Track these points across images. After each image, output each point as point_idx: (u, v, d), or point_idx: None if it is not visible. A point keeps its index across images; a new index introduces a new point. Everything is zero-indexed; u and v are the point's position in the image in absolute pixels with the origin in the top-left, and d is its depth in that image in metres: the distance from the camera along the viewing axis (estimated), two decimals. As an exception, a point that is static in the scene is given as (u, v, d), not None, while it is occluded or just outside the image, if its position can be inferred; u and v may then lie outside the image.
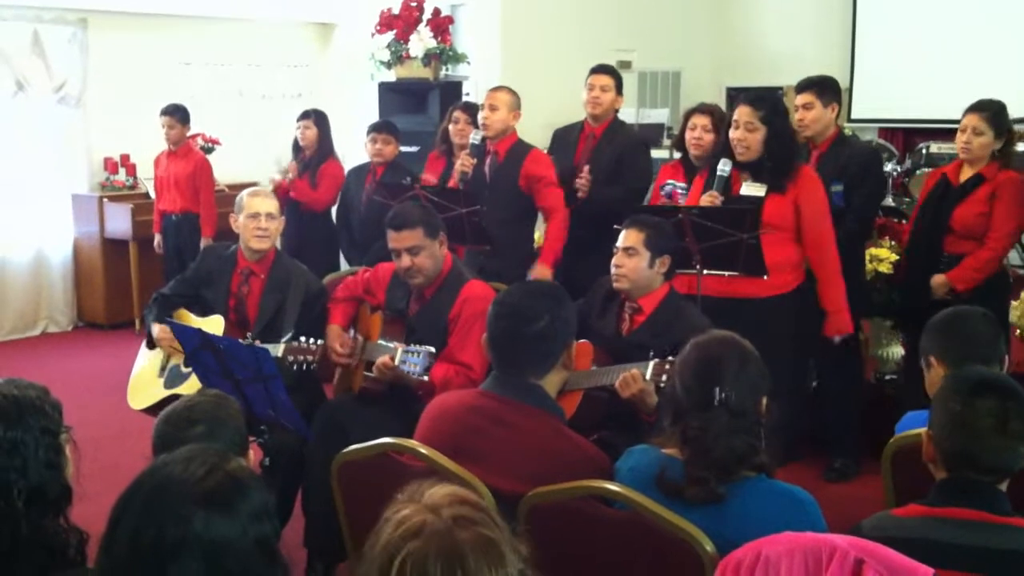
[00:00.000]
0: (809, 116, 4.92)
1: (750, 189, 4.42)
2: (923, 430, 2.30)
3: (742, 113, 4.40)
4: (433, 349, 3.71)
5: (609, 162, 5.43)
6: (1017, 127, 5.59)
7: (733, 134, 4.43)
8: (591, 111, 5.53)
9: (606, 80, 5.50)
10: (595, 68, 5.58)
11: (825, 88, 4.97)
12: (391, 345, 3.87)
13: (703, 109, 5.24)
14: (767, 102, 4.46)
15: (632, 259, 3.73)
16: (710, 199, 4.37)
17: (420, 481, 1.57)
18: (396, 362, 3.72)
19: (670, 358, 3.10)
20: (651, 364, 3.33)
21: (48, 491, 2.03)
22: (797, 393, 4.93)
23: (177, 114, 7.36)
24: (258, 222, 4.28)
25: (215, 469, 1.62)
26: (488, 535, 1.46)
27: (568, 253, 5.32)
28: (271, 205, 4.36)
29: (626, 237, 3.77)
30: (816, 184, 4.50)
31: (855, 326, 5.24)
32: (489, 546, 1.44)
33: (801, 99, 4.97)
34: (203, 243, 7.15)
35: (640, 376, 3.35)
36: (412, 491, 1.55)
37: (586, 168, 5.37)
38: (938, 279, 4.79)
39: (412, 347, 3.71)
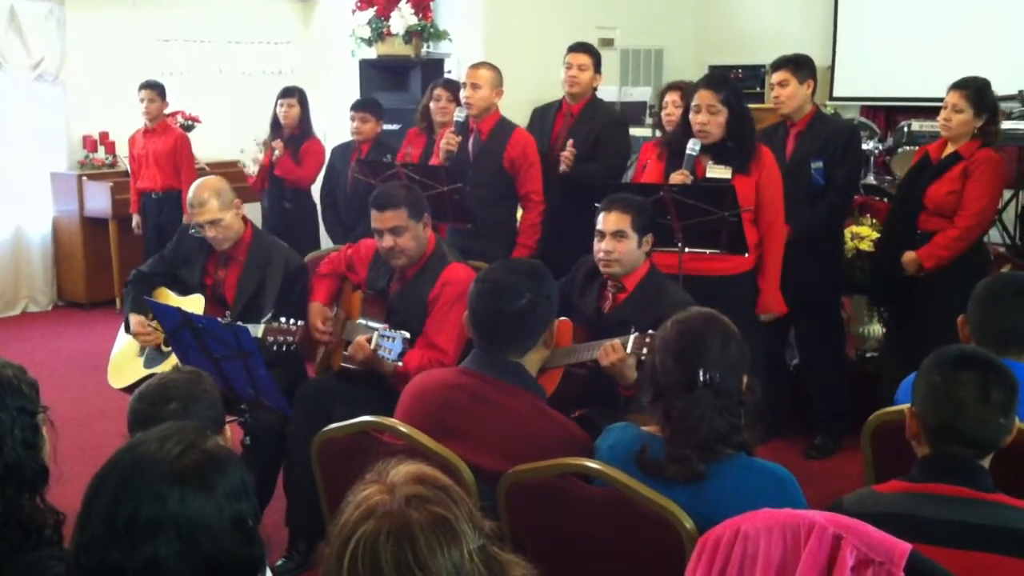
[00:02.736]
0: (785, 93, 4.95)
1: (715, 171, 4.41)
2: (906, 406, 2.30)
3: (703, 97, 4.38)
4: (408, 335, 3.65)
5: (587, 140, 5.39)
6: (1003, 105, 5.58)
7: (695, 118, 4.40)
8: (568, 89, 5.50)
9: (584, 59, 5.47)
10: (573, 46, 5.54)
11: (800, 65, 5.00)
12: (371, 325, 3.84)
13: (674, 86, 5.37)
14: (726, 84, 4.50)
15: (622, 243, 3.68)
16: (681, 177, 4.35)
17: (387, 460, 1.56)
18: (372, 345, 3.69)
19: (650, 331, 3.09)
20: (632, 337, 3.31)
21: (24, 471, 2.01)
22: (774, 370, 4.94)
23: (157, 88, 7.35)
24: (207, 231, 4.12)
25: (191, 447, 1.60)
26: (441, 513, 1.45)
27: (546, 232, 5.29)
28: (212, 211, 4.08)
29: (611, 220, 3.70)
30: (775, 165, 4.53)
31: (837, 304, 5.28)
32: (441, 525, 1.43)
33: (777, 76, 5.01)
34: (184, 220, 7.09)
35: (621, 346, 3.33)
36: (379, 470, 1.54)
37: (570, 142, 5.33)
38: (909, 256, 4.77)
39: (388, 331, 3.64)
